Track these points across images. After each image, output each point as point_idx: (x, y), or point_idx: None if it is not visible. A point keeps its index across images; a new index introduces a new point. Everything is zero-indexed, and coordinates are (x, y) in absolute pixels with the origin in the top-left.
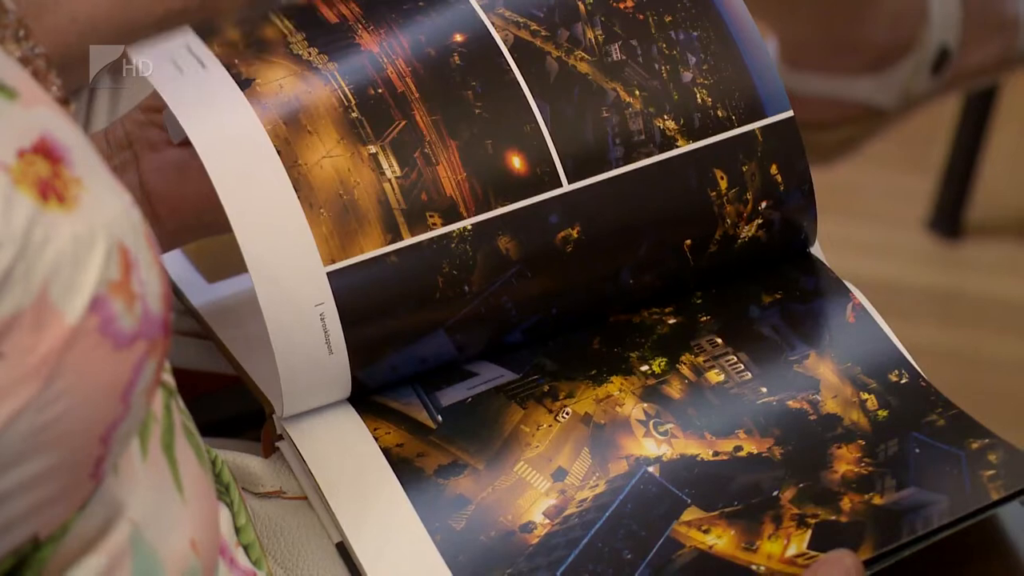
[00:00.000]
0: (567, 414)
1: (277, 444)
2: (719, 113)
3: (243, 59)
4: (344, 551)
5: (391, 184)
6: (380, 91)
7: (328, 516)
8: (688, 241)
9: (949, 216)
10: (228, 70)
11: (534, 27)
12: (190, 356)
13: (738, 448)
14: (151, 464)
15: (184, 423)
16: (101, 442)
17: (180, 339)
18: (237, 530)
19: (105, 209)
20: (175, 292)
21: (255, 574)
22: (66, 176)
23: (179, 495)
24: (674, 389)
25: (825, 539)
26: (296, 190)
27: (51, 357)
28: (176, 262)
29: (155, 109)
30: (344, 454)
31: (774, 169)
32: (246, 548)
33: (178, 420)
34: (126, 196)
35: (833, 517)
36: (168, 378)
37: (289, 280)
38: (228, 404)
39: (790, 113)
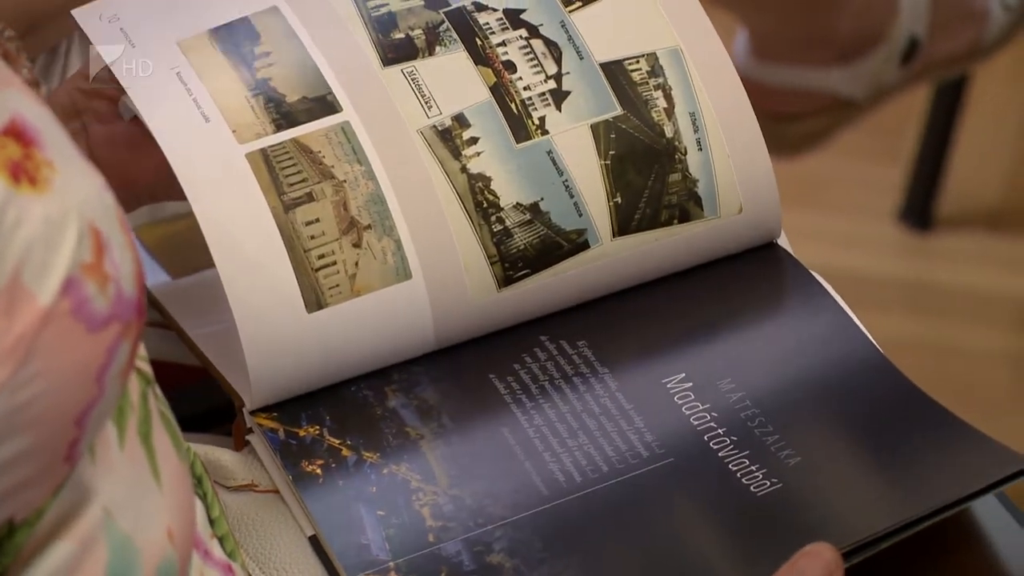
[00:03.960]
0: None
1: (248, 438)
2: None
3: None
4: (317, 544)
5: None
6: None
7: (300, 509)
8: None
9: (920, 207)
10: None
11: None
12: (161, 347)
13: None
14: (128, 453)
15: (162, 412)
16: (76, 424)
17: (152, 330)
18: (211, 522)
19: (77, 191)
20: None
21: (230, 566)
22: (37, 158)
23: (157, 484)
24: None
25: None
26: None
27: (24, 339)
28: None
29: (99, 79)
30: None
31: None
32: (220, 540)
33: (155, 409)
34: (98, 178)
35: None
36: (145, 367)
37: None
38: (199, 398)
39: None
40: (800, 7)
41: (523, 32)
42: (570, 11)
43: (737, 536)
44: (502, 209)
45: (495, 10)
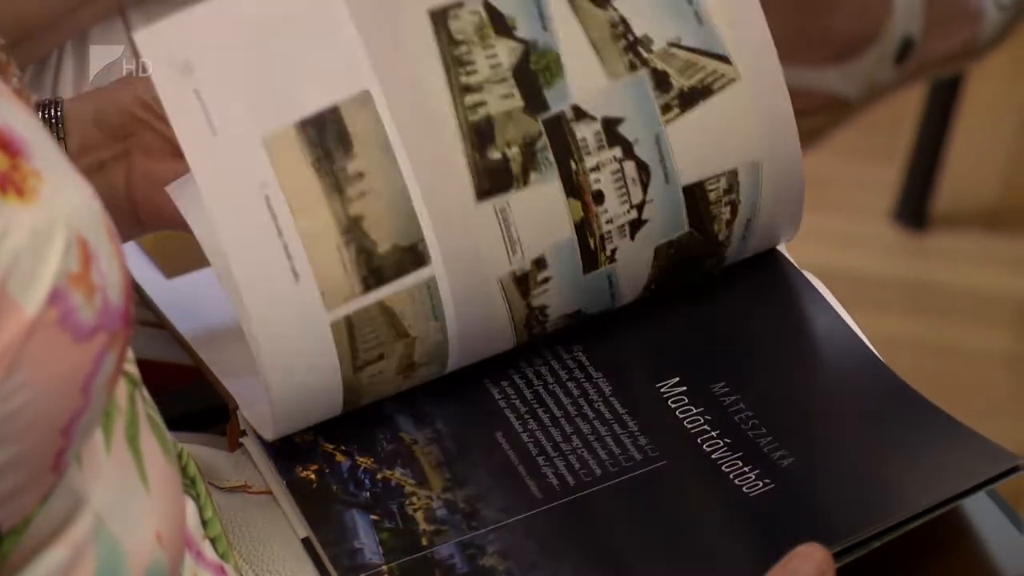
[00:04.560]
0: None
1: (242, 440)
2: None
3: None
4: (310, 547)
5: None
6: None
7: (293, 512)
8: None
9: (915, 207)
10: None
11: None
12: (155, 347)
13: None
14: (115, 456)
15: (149, 414)
16: (62, 434)
17: (146, 330)
18: (204, 523)
19: (64, 201)
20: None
21: (222, 567)
22: (25, 169)
23: (144, 487)
24: None
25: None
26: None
27: (10, 350)
28: (134, 256)
29: (153, 110)
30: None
31: None
32: (213, 541)
33: (142, 412)
34: (87, 188)
35: None
36: (132, 369)
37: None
38: (194, 398)
39: None
40: (794, 6)
41: (617, 152)
42: (667, 120)
43: (730, 536)
44: (548, 320)
45: (594, 119)
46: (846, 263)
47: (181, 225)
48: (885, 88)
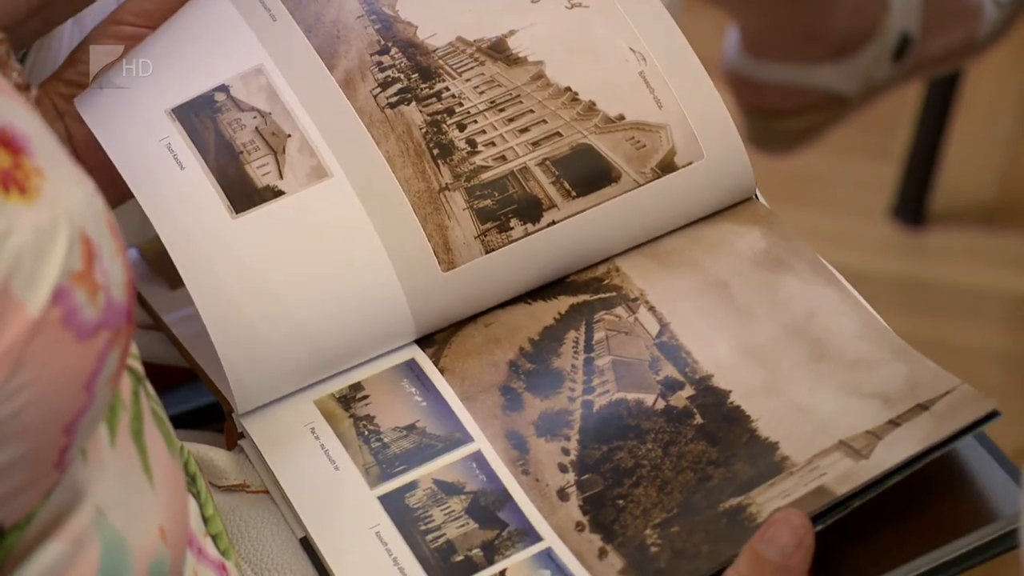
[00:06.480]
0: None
1: (240, 443)
2: None
3: None
4: (308, 546)
5: None
6: None
7: (290, 512)
8: None
9: (912, 204)
10: None
11: None
12: (153, 349)
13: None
14: (119, 451)
15: (154, 410)
16: (65, 432)
17: (145, 333)
18: (205, 520)
19: (67, 199)
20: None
21: (223, 564)
22: (27, 167)
23: (148, 482)
24: None
25: None
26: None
27: (13, 350)
28: (136, 267)
29: (77, 84)
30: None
31: None
32: (214, 538)
33: (147, 407)
34: (88, 184)
35: None
36: (137, 365)
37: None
38: (193, 396)
39: None
40: (791, 3)
41: None
42: None
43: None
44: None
45: None
46: (843, 260)
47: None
48: (883, 85)
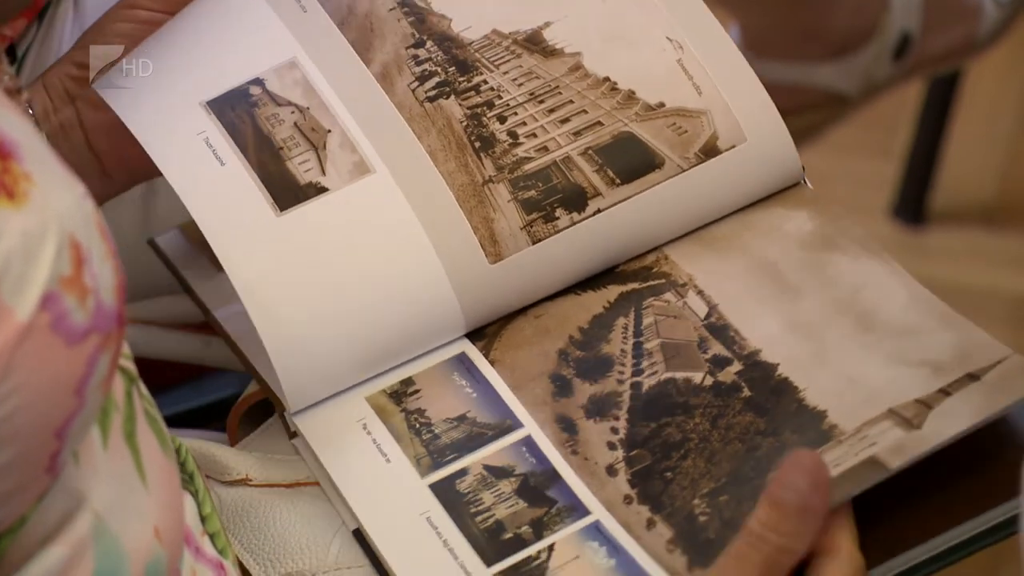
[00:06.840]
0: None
1: (293, 441)
2: None
3: None
4: (360, 537)
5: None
6: None
7: (344, 506)
8: None
9: (913, 203)
10: None
11: None
12: (152, 345)
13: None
14: (112, 453)
15: (147, 410)
16: (56, 437)
17: (145, 328)
18: (202, 519)
19: (56, 203)
20: (185, 288)
21: (221, 563)
22: (15, 171)
23: (142, 483)
24: None
25: None
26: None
27: (2, 355)
28: (180, 248)
29: (87, 65)
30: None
31: None
32: (212, 537)
33: (140, 407)
34: (78, 188)
35: None
36: (129, 365)
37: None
38: (193, 396)
39: None
40: (792, 2)
41: None
42: None
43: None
44: None
45: None
46: None
47: (145, 167)
48: (883, 84)
